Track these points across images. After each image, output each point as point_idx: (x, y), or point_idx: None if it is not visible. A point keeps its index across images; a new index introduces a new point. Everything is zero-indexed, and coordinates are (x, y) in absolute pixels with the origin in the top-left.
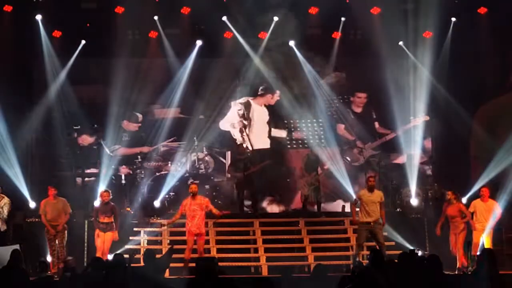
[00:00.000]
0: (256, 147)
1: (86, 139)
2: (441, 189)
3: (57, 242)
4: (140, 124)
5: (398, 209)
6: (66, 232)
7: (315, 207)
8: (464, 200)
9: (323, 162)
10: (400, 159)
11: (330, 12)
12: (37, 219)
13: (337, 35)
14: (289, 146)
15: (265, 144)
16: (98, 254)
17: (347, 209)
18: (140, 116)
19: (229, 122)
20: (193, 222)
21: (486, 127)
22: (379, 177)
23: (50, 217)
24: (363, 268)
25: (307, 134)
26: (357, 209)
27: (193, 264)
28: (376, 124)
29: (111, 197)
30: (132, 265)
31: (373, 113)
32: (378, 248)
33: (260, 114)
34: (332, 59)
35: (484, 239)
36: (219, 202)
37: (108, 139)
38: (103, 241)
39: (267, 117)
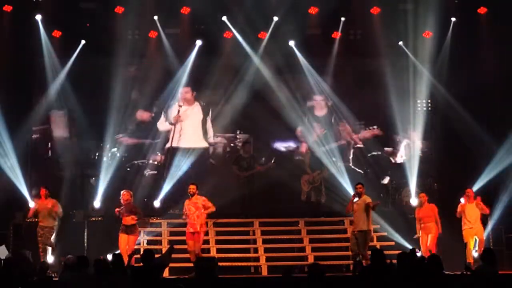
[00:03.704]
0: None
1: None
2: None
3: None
4: (153, 115)
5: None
6: (53, 232)
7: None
8: (463, 200)
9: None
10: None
11: (330, 12)
12: (36, 219)
13: (337, 35)
14: None
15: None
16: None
17: None
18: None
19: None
20: (189, 221)
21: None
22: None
23: (40, 217)
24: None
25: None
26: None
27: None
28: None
29: (131, 198)
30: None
31: None
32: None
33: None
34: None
35: (478, 240)
36: None
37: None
38: (126, 243)
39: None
